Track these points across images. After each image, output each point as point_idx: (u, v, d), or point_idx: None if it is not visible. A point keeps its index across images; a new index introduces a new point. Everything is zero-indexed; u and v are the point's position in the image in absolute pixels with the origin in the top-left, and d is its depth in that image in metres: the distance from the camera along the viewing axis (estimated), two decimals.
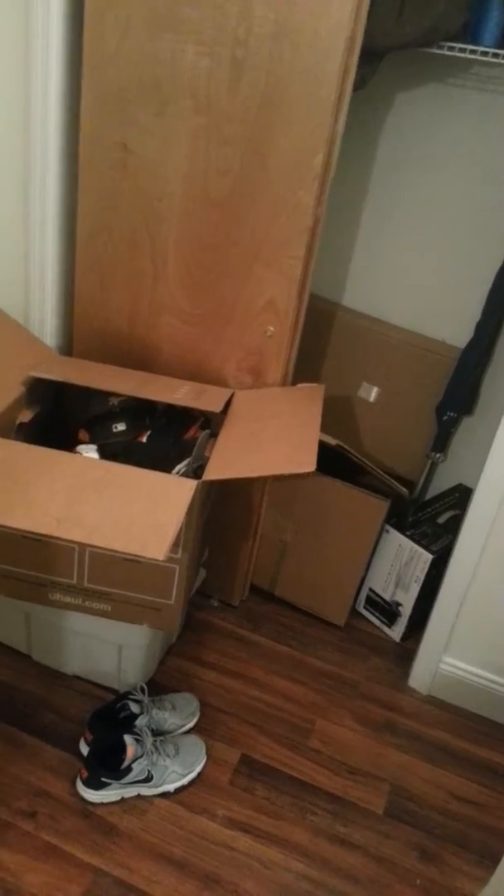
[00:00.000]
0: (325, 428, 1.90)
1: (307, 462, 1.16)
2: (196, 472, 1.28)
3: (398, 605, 1.74)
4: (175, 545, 1.22)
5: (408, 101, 1.63)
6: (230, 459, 1.23)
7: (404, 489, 1.65)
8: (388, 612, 1.76)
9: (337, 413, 1.89)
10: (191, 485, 1.13)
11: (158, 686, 1.52)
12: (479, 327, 1.67)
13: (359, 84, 1.38)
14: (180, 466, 1.30)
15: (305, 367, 1.89)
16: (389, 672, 1.68)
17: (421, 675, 1.62)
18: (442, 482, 1.93)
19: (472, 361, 1.69)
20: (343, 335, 1.86)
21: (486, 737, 1.55)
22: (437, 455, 1.80)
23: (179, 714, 1.42)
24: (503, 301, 1.63)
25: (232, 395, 1.47)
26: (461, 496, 1.86)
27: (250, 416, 1.39)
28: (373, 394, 1.85)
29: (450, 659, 1.58)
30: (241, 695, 1.55)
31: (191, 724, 1.43)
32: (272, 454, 1.22)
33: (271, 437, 1.28)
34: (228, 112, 1.29)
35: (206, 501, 1.41)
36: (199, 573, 1.60)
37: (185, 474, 1.28)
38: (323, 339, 1.87)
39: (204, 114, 1.30)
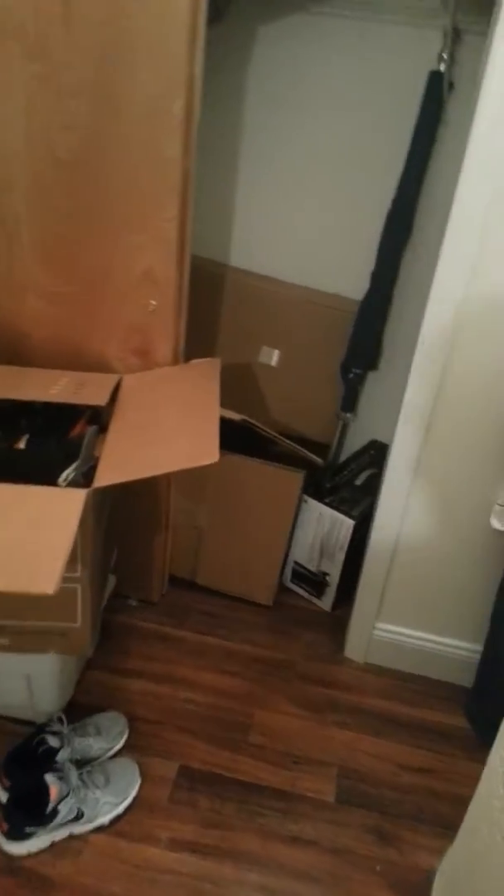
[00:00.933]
0: (228, 400, 1.78)
1: (209, 452, 1.04)
2: (86, 476, 1.13)
3: (325, 574, 1.67)
4: (72, 562, 1.08)
5: (274, 35, 1.48)
6: (123, 458, 1.09)
7: (318, 458, 1.56)
8: (316, 583, 1.69)
9: (239, 382, 1.77)
10: (79, 497, 0.98)
11: (79, 707, 1.39)
12: (375, 277, 1.58)
13: (214, 15, 1.21)
14: (68, 472, 1.14)
15: (198, 338, 1.75)
16: (324, 646, 1.62)
17: (356, 644, 1.57)
18: (355, 440, 1.85)
19: (372, 314, 1.60)
20: (235, 298, 1.72)
21: (424, 696, 1.52)
22: (347, 415, 1.71)
23: (105, 737, 1.30)
24: (396, 246, 1.54)
25: (119, 382, 1.32)
26: (376, 453, 1.80)
27: (142, 403, 1.25)
28: (274, 357, 1.74)
29: (382, 624, 1.53)
30: (172, 700, 1.44)
31: (119, 745, 1.31)
32: (170, 446, 1.09)
33: (167, 427, 1.15)
34: (66, 57, 1.11)
35: (104, 502, 1.27)
36: (108, 580, 1.47)
37: (74, 480, 1.13)
38: (213, 305, 1.73)
39: (37, 59, 1.11)
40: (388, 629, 1.53)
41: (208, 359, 1.35)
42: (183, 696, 1.45)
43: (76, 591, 1.11)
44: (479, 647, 1.46)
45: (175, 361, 1.37)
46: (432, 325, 1.22)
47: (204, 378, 1.28)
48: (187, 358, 1.40)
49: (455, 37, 1.38)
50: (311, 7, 1.43)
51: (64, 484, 1.11)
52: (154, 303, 1.30)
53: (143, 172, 1.19)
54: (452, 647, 1.51)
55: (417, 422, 1.31)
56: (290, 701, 1.48)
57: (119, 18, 1.08)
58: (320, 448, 1.77)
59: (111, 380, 1.30)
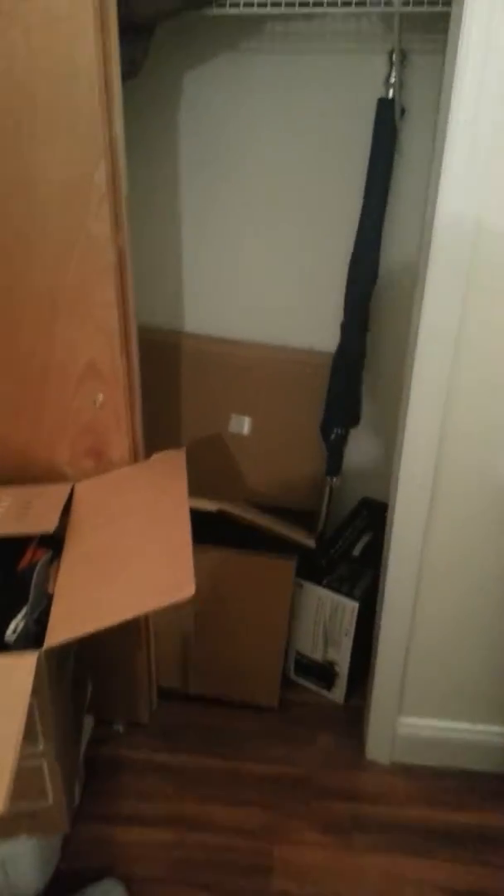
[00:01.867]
0: (201, 479, 1.60)
1: (183, 584, 0.85)
2: (40, 623, 0.94)
3: (332, 664, 1.48)
4: (31, 738, 0.89)
5: (205, 79, 1.33)
6: (79, 599, 0.90)
7: (309, 541, 1.39)
8: (324, 674, 1.50)
9: (210, 456, 1.60)
10: (28, 665, 0.79)
11: (67, 875, 1.17)
12: (345, 327, 1.42)
13: (130, 70, 1.06)
14: (17, 620, 0.95)
15: (161, 416, 1.58)
16: (342, 748, 1.42)
17: (378, 744, 1.38)
18: (345, 501, 1.68)
19: (347, 367, 1.44)
20: (195, 366, 1.55)
21: (464, 795, 1.33)
22: (334, 479, 1.54)
23: None
24: (363, 293, 1.38)
25: (72, 491, 1.14)
26: (370, 513, 1.63)
27: (98, 518, 1.06)
28: (245, 425, 1.57)
29: (406, 718, 1.35)
30: (177, 848, 1.24)
31: None
32: (134, 579, 0.90)
33: (129, 550, 0.96)
34: None
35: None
36: (84, 724, 1.25)
37: (25, 631, 0.94)
38: (173, 377, 1.56)
39: None
40: (413, 723, 1.35)
41: (171, 451, 1.17)
42: (190, 840, 1.25)
43: (42, 768, 0.92)
44: None
45: (134, 458, 1.19)
46: (421, 393, 1.06)
47: (168, 477, 1.10)
48: (149, 448, 1.22)
49: (401, 59, 1.24)
50: (240, 45, 1.29)
51: (13, 638, 0.92)
52: (101, 397, 1.13)
53: (69, 253, 1.02)
54: (489, 735, 1.33)
55: (419, 483, 1.14)
56: (312, 826, 1.28)
57: (22, 86, 0.92)
58: (307, 517, 1.59)
59: (62, 492, 1.12)
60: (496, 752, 1.33)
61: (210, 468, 1.59)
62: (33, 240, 1.02)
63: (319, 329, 1.49)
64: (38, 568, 0.98)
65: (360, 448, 1.63)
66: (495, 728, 1.32)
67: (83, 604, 0.89)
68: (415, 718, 1.34)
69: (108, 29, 0.91)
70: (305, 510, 1.60)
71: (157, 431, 1.56)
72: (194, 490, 1.52)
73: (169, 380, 1.55)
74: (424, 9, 1.04)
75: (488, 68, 0.87)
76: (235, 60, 1.30)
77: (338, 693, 1.50)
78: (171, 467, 1.12)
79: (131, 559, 0.94)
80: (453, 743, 1.34)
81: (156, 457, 1.18)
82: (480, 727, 1.32)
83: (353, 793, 1.34)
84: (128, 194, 1.02)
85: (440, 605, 1.23)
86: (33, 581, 0.97)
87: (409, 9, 1.05)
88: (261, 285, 1.51)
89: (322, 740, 1.44)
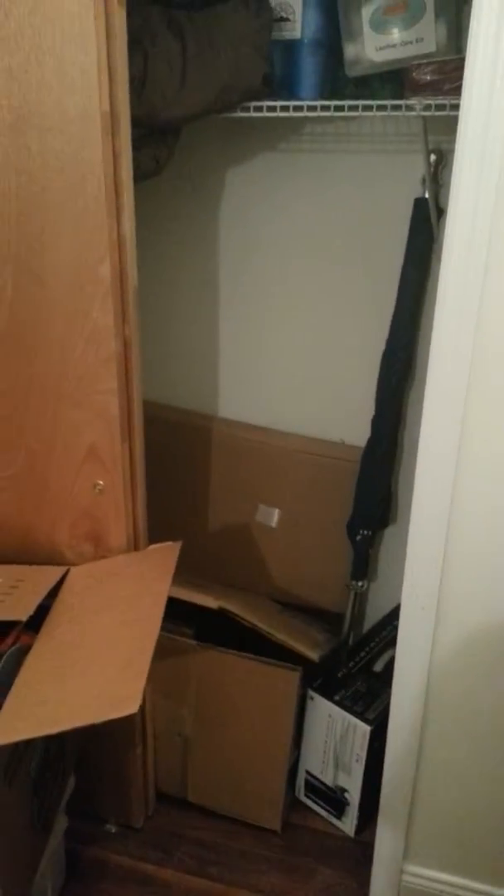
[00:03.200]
0: (223, 569, 1.55)
1: (130, 698, 0.80)
2: None
3: (343, 791, 1.34)
4: None
5: (240, 177, 1.36)
6: (31, 698, 0.86)
7: (313, 653, 1.29)
8: (334, 800, 1.37)
9: (236, 545, 1.54)
10: None
11: None
12: (376, 422, 1.36)
13: (153, 168, 1.09)
14: None
15: (188, 499, 1.56)
16: (344, 888, 1.27)
17: (381, 892, 1.22)
18: (379, 605, 1.57)
19: (376, 465, 1.37)
20: (226, 453, 1.53)
21: None
22: (359, 583, 1.44)
23: None
24: (395, 388, 1.32)
25: (65, 575, 1.12)
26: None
27: (76, 610, 1.03)
28: (274, 517, 1.51)
29: (413, 867, 1.19)
30: None
31: None
32: (87, 685, 0.85)
33: (95, 650, 0.92)
34: None
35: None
36: (57, 824, 1.17)
37: None
38: (202, 462, 1.54)
39: None
40: (420, 873, 1.18)
41: (167, 544, 1.13)
42: None
43: None
44: None
45: (135, 545, 1.17)
46: (425, 487, 0.98)
47: (156, 573, 1.06)
48: (170, 528, 1.18)
49: (438, 159, 1.21)
50: (278, 144, 1.31)
51: None
52: (101, 483, 1.12)
53: (75, 343, 1.04)
54: None
55: (424, 602, 1.04)
56: None
57: (33, 185, 0.96)
58: (335, 618, 1.49)
59: (53, 577, 1.10)
60: None
61: (235, 558, 1.54)
62: (44, 330, 1.04)
63: (352, 422, 1.43)
64: (5, 657, 0.95)
65: (398, 551, 1.52)
66: None
67: (31, 704, 0.85)
68: (422, 868, 1.18)
69: (119, 131, 0.94)
70: (332, 612, 1.50)
71: (181, 514, 1.54)
72: (217, 578, 1.48)
73: (199, 463, 1.53)
74: (446, 112, 1.01)
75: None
76: (272, 158, 1.32)
77: (348, 824, 1.36)
78: (161, 562, 1.08)
79: (90, 662, 0.89)
80: None
81: (152, 548, 1.15)
82: (494, 890, 1.14)
83: None
84: (136, 286, 1.03)
85: (448, 747, 1.09)
86: (1, 666, 0.94)
87: (431, 112, 1.03)
88: (296, 375, 1.48)
89: (323, 876, 1.29)
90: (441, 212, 1.24)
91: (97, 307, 1.01)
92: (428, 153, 1.20)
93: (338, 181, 1.31)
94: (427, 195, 1.22)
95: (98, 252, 0.97)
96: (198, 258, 1.43)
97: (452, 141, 1.20)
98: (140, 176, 1.03)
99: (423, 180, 1.23)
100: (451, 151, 1.22)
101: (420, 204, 1.24)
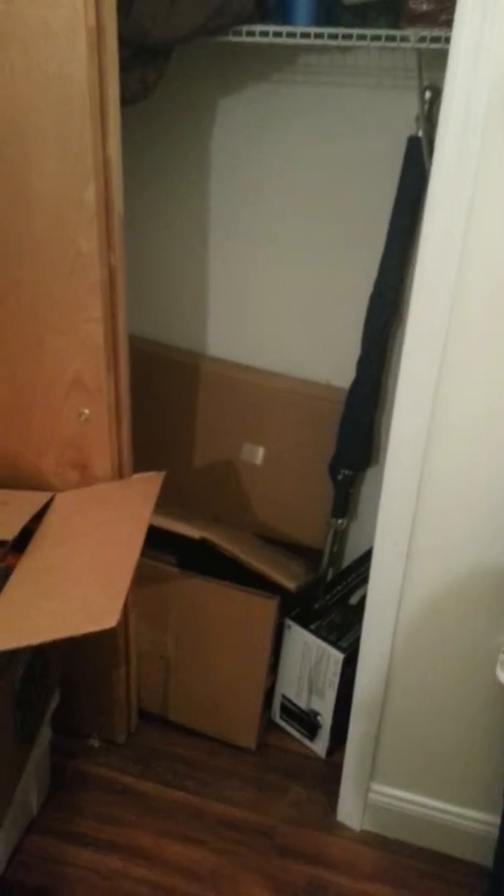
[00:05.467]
0: (207, 504, 1.59)
1: (108, 612, 0.83)
2: None
3: (316, 714, 1.41)
4: None
5: (230, 105, 1.33)
6: (16, 611, 0.90)
7: (290, 583, 1.33)
8: (307, 722, 1.43)
9: (220, 482, 1.57)
10: None
11: (9, 888, 1.17)
12: (361, 364, 1.37)
13: (141, 92, 1.08)
14: None
15: (174, 434, 1.58)
16: (314, 805, 1.34)
17: (349, 808, 1.29)
18: (357, 545, 1.61)
19: (360, 406, 1.39)
20: (213, 391, 1.54)
21: (433, 880, 1.22)
22: (339, 521, 1.48)
23: None
24: (381, 330, 1.33)
25: (51, 501, 1.15)
26: None
27: (63, 532, 1.06)
28: (258, 455, 1.54)
29: (378, 786, 1.26)
30: (123, 878, 1.20)
31: None
32: (69, 600, 0.89)
33: (77, 569, 0.95)
34: None
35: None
36: (40, 735, 1.23)
37: None
38: (189, 398, 1.55)
39: None
40: (386, 792, 1.26)
41: (151, 474, 1.16)
42: (136, 875, 1.21)
43: None
44: (497, 821, 1.17)
45: (119, 475, 1.19)
46: (403, 425, 1.00)
47: (139, 500, 1.09)
48: (155, 464, 1.20)
49: (434, 97, 1.19)
50: (272, 75, 1.29)
51: None
52: (86, 411, 1.14)
53: (60, 270, 1.04)
54: (464, 819, 1.22)
55: (396, 537, 1.07)
56: (264, 883, 1.21)
57: (16, 104, 0.95)
58: (314, 555, 1.54)
59: (38, 501, 1.13)
60: (473, 840, 1.21)
61: (219, 494, 1.57)
62: (30, 256, 1.04)
63: (339, 365, 1.44)
64: None
65: (379, 492, 1.56)
66: (473, 813, 1.21)
67: (17, 615, 0.89)
68: (387, 787, 1.25)
69: (105, 48, 0.92)
70: (313, 548, 1.54)
71: (168, 449, 1.57)
72: (201, 512, 1.52)
73: (185, 400, 1.55)
74: (441, 45, 0.99)
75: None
76: (264, 89, 1.30)
77: (320, 745, 1.43)
78: (145, 491, 1.11)
79: (72, 581, 0.93)
80: (428, 821, 1.24)
81: (136, 477, 1.18)
82: (454, 809, 1.21)
83: (314, 856, 1.26)
84: (122, 213, 1.03)
85: (416, 675, 1.14)
86: None
87: (426, 45, 1.01)
88: (284, 315, 1.48)
89: (294, 793, 1.37)
90: (433, 151, 1.22)
91: (82, 234, 1.01)
92: (423, 89, 1.18)
93: (331, 116, 1.28)
94: (420, 133, 1.20)
95: (83, 176, 0.97)
96: (186, 189, 1.42)
97: None
98: (128, 99, 1.02)
99: (417, 118, 1.21)
100: None
101: (413, 142, 1.22)
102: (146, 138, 1.38)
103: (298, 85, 1.28)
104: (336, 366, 1.45)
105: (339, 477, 1.43)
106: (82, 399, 1.13)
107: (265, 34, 1.06)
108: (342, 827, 1.30)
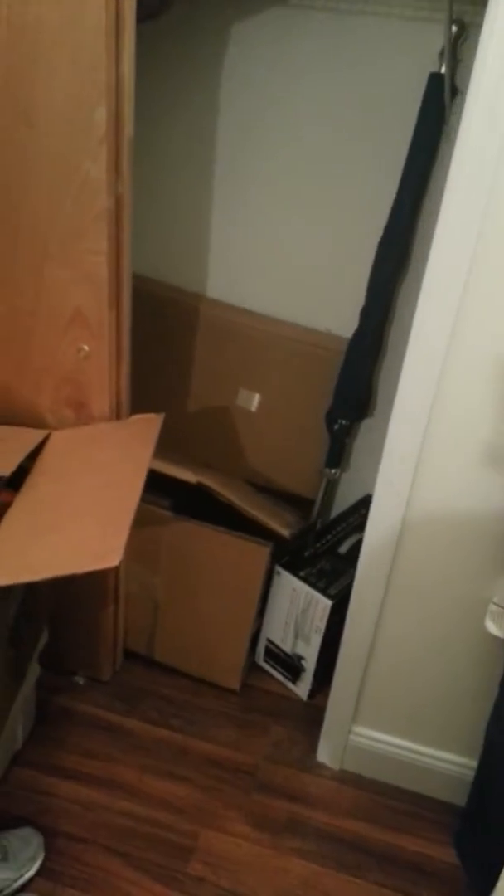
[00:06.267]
0: (201, 449, 1.57)
1: (111, 552, 0.82)
2: None
3: (300, 658, 1.43)
4: None
5: (248, 30, 1.26)
6: (15, 547, 0.88)
7: (284, 531, 1.33)
8: (291, 666, 1.46)
9: (215, 427, 1.56)
10: None
11: None
12: (364, 314, 1.34)
13: (157, 8, 1.01)
14: None
15: (170, 377, 1.55)
16: (294, 745, 1.38)
17: (330, 748, 1.33)
18: (349, 494, 1.62)
19: (360, 357, 1.37)
20: (211, 334, 1.51)
21: (407, 818, 1.27)
22: (333, 471, 1.48)
23: (13, 863, 1.09)
24: (388, 280, 1.30)
25: (47, 439, 1.12)
26: (367, 513, 1.55)
27: (61, 470, 1.04)
28: (254, 401, 1.52)
29: (360, 728, 1.29)
30: (106, 811, 1.23)
31: (30, 874, 1.10)
32: (70, 538, 0.88)
33: (76, 509, 0.94)
34: None
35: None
36: (29, 671, 1.23)
37: None
38: (187, 340, 1.52)
39: None
40: (367, 734, 1.29)
41: (150, 416, 1.14)
42: (118, 807, 1.24)
43: None
44: (474, 764, 1.21)
45: (116, 415, 1.17)
46: (410, 383, 0.99)
47: (138, 442, 1.06)
48: (150, 406, 1.17)
49: (459, 32, 1.14)
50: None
51: None
52: (86, 347, 1.10)
53: (64, 196, 0.99)
54: (442, 762, 1.26)
55: (397, 487, 1.07)
56: (245, 818, 1.24)
57: (26, 12, 0.88)
58: (307, 504, 1.54)
59: (34, 438, 1.10)
60: (446, 781, 1.26)
61: (213, 439, 1.55)
62: (34, 177, 0.99)
63: (340, 313, 1.41)
64: None
65: (372, 443, 1.55)
66: (447, 755, 1.25)
67: (17, 551, 0.87)
68: (369, 730, 1.28)
69: None
70: (305, 497, 1.54)
71: (162, 391, 1.54)
72: (194, 458, 1.50)
73: (183, 342, 1.51)
74: None
75: None
76: (282, 14, 1.23)
77: (302, 688, 1.46)
78: (144, 432, 1.09)
79: (72, 518, 0.91)
80: (404, 762, 1.28)
81: (134, 418, 1.15)
82: (432, 752, 1.25)
83: (294, 793, 1.30)
84: (132, 137, 0.98)
85: (404, 622, 1.16)
86: None
87: None
88: (288, 260, 1.44)
89: (276, 732, 1.40)
90: (456, 91, 1.18)
91: (90, 156, 0.95)
92: (450, 22, 1.13)
93: (350, 46, 1.23)
94: (444, 70, 1.15)
95: (94, 94, 0.91)
96: (196, 118, 1.35)
97: (477, 13, 1.14)
98: (144, 14, 0.95)
99: (442, 53, 1.16)
100: (475, 25, 1.16)
101: (435, 79, 1.17)
102: (156, 60, 1.30)
103: (318, 11, 1.21)
104: (338, 314, 1.42)
105: (336, 427, 1.42)
106: (82, 334, 1.09)
107: None
108: (321, 766, 1.34)
